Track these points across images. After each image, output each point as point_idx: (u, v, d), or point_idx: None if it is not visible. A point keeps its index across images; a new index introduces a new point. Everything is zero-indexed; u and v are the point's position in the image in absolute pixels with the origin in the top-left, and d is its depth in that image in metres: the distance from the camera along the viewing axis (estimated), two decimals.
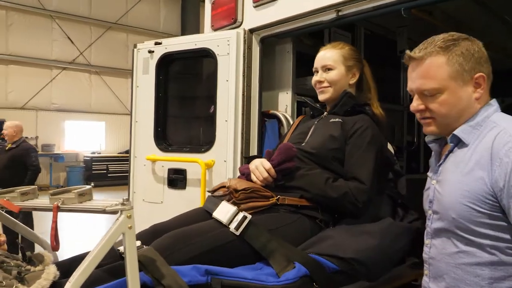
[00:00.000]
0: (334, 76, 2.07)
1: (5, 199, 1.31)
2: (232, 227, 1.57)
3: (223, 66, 2.86)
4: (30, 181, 5.56)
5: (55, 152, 13.81)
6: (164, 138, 3.22)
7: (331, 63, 2.08)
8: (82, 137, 14.65)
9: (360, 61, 2.14)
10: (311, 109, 2.23)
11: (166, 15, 16.23)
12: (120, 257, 1.36)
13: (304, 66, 2.84)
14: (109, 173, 14.25)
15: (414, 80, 1.33)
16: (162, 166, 3.08)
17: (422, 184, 1.49)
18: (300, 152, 1.89)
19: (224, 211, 1.62)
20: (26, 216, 4.97)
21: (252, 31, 2.91)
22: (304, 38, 3.26)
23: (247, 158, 1.89)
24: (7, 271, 1.27)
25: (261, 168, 1.79)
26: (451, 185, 1.27)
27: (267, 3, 2.82)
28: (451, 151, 1.33)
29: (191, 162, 2.90)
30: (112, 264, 1.40)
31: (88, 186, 1.36)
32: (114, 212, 1.21)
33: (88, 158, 14.35)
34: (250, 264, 1.55)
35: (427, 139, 1.46)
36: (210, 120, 2.92)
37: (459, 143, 1.30)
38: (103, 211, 1.21)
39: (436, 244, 1.33)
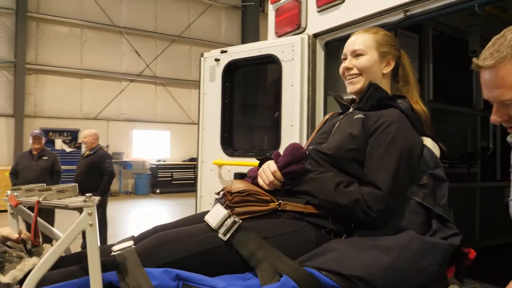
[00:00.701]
0: (365, 62, 1.78)
1: (13, 195, 1.36)
2: (221, 231, 1.43)
3: (288, 71, 2.89)
4: (106, 186, 5.96)
5: (124, 160, 14.54)
6: (230, 143, 3.31)
7: (362, 47, 1.79)
8: (149, 146, 15.33)
9: (397, 48, 1.86)
10: (339, 105, 1.98)
11: (227, 26, 16.65)
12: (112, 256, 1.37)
13: None
14: (173, 180, 14.75)
15: (490, 89, 1.16)
16: (228, 171, 3.16)
17: (498, 192, 1.40)
18: (317, 154, 1.67)
19: (215, 215, 1.49)
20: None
21: (316, 35, 2.92)
22: None
23: (260, 160, 1.70)
24: (8, 261, 1.31)
25: (267, 171, 1.60)
26: None
27: (331, 7, 2.82)
28: None
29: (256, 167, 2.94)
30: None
31: (71, 184, 1.38)
32: (76, 209, 1.21)
33: (154, 166, 14.96)
34: (239, 273, 1.41)
35: (509, 139, 1.37)
36: (275, 125, 2.96)
37: None
38: (66, 207, 1.22)
39: None
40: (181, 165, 15.22)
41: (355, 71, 1.80)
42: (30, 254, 1.33)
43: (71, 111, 13.70)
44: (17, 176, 6.12)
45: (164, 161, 15.44)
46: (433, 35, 3.69)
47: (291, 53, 2.90)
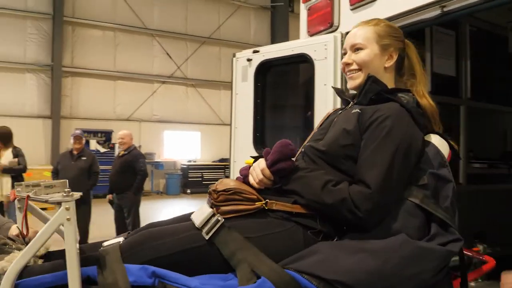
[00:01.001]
0: (365, 56, 1.68)
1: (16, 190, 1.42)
2: (204, 230, 1.40)
3: (321, 70, 2.88)
4: (139, 185, 6.09)
5: (156, 160, 14.79)
6: (262, 143, 3.32)
7: (361, 41, 1.69)
8: (180, 146, 15.54)
9: (400, 39, 1.73)
10: (341, 100, 1.88)
11: (256, 27, 16.70)
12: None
13: None
14: (204, 180, 14.88)
15: None
16: None
17: None
18: (312, 150, 1.60)
19: (200, 213, 1.46)
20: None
21: None
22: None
23: (254, 158, 1.62)
24: (6, 253, 1.37)
25: (257, 169, 1.52)
26: None
27: (365, 5, 2.79)
28: None
29: None
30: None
31: (61, 181, 1.42)
32: (56, 203, 1.24)
33: (185, 166, 15.15)
34: (221, 272, 1.38)
35: None
36: (308, 125, 2.95)
37: None
38: (46, 201, 1.27)
39: None
40: (211, 166, 15.36)
41: (354, 66, 1.70)
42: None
43: (105, 112, 14.06)
44: (58, 175, 6.33)
45: (195, 161, 15.61)
46: (470, 31, 3.58)
47: (323, 52, 2.88)
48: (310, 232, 1.45)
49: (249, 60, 3.33)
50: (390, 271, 1.30)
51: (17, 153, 6.38)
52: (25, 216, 1.37)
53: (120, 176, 6.04)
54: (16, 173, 6.32)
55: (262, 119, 3.34)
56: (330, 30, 3.03)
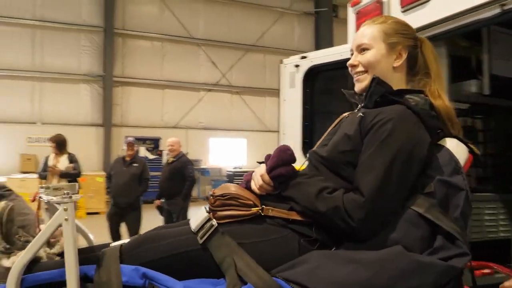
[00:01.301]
0: (371, 57, 1.58)
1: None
2: (199, 235, 1.40)
3: None
4: (188, 191, 6.22)
5: (202, 167, 15.03)
6: (310, 149, 3.28)
7: (367, 41, 1.59)
8: (225, 153, 15.71)
9: (410, 37, 1.62)
10: (352, 103, 1.77)
11: (300, 33, 16.67)
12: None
13: (460, 70, 2.65)
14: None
15: None
16: None
17: None
18: (315, 156, 1.54)
19: (197, 218, 1.45)
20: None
21: None
22: (458, 40, 3.04)
23: (260, 163, 1.59)
24: (16, 246, 1.47)
25: (257, 174, 1.50)
26: None
27: (417, 6, 2.71)
28: None
29: None
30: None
31: (70, 184, 1.46)
32: (56, 204, 1.31)
33: (231, 173, 15.28)
34: (214, 277, 1.36)
35: None
36: None
37: None
38: (48, 202, 1.36)
39: None
40: None
41: (360, 68, 1.61)
42: (48, 245, 1.47)
43: (153, 120, 14.48)
44: (111, 181, 6.56)
45: (241, 168, 15.72)
46: None
47: None
48: (305, 240, 1.40)
49: (297, 66, 3.32)
50: (381, 285, 1.23)
51: (72, 159, 6.67)
52: (37, 215, 1.50)
53: (169, 182, 6.19)
54: (72, 178, 6.60)
55: (310, 125, 3.32)
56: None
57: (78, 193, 1.41)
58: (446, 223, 1.34)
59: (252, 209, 1.43)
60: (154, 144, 14.22)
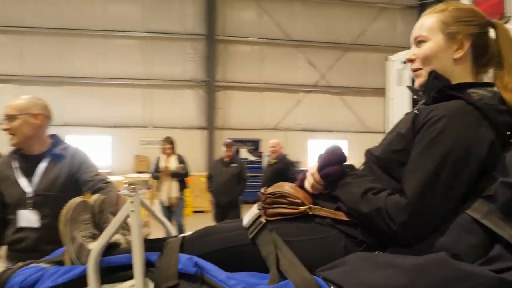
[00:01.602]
0: (427, 50, 1.47)
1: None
2: (250, 230, 1.45)
3: None
4: None
5: (302, 168, 15.00)
6: None
7: (424, 32, 1.50)
8: None
9: (474, 23, 1.45)
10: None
11: (403, 28, 15.83)
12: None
13: None
14: None
15: None
16: None
17: None
18: (370, 156, 1.52)
19: (249, 214, 1.50)
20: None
21: None
22: None
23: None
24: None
25: (310, 174, 1.52)
26: None
27: None
28: None
29: None
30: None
31: (144, 179, 1.53)
32: (125, 196, 1.46)
33: None
34: (262, 271, 1.38)
35: None
36: None
37: None
38: (118, 196, 1.59)
39: None
40: None
41: (417, 62, 1.51)
42: (124, 229, 1.64)
43: (253, 123, 14.81)
44: (212, 181, 6.84)
45: None
46: None
47: None
48: (351, 241, 1.38)
49: (404, 62, 3.12)
50: None
51: (181, 160, 7.09)
52: (118, 207, 1.69)
53: (272, 183, 6.19)
54: (181, 178, 7.00)
55: None
56: (502, 22, 2.66)
57: (149, 188, 1.56)
58: (507, 230, 1.20)
59: (300, 207, 1.45)
60: (254, 146, 14.54)
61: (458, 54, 1.46)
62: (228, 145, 6.86)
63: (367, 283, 1.19)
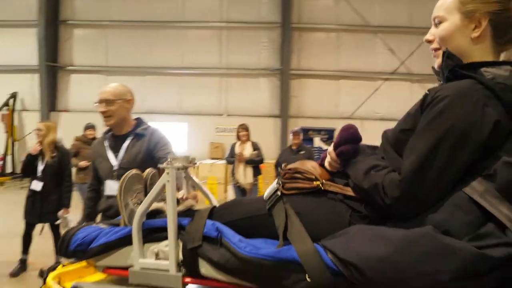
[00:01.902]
0: (443, 30, 1.47)
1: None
2: (268, 202, 1.60)
3: None
4: None
5: None
6: None
7: (442, 13, 1.48)
8: None
9: (494, 0, 1.41)
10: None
11: None
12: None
13: None
14: None
15: None
16: None
17: None
18: (384, 136, 1.59)
19: (270, 188, 1.65)
20: None
21: None
22: None
23: None
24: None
25: (328, 152, 1.65)
26: None
27: None
28: None
29: None
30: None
31: (186, 156, 1.73)
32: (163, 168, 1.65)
33: None
34: (277, 239, 1.48)
35: None
36: None
37: None
38: (159, 169, 1.73)
39: None
40: None
41: (435, 43, 1.53)
42: (177, 202, 1.75)
43: (328, 111, 14.54)
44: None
45: None
46: None
47: None
48: (357, 215, 1.48)
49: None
50: (403, 263, 1.22)
51: (255, 147, 7.17)
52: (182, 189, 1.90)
53: None
54: (256, 164, 7.09)
55: None
56: None
57: (192, 163, 1.76)
58: (501, 210, 1.24)
59: (314, 182, 1.56)
60: (328, 134, 14.27)
61: (476, 33, 1.43)
62: (295, 133, 6.87)
63: (356, 251, 1.28)
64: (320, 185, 1.55)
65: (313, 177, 1.58)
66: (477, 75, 1.36)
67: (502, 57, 1.48)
